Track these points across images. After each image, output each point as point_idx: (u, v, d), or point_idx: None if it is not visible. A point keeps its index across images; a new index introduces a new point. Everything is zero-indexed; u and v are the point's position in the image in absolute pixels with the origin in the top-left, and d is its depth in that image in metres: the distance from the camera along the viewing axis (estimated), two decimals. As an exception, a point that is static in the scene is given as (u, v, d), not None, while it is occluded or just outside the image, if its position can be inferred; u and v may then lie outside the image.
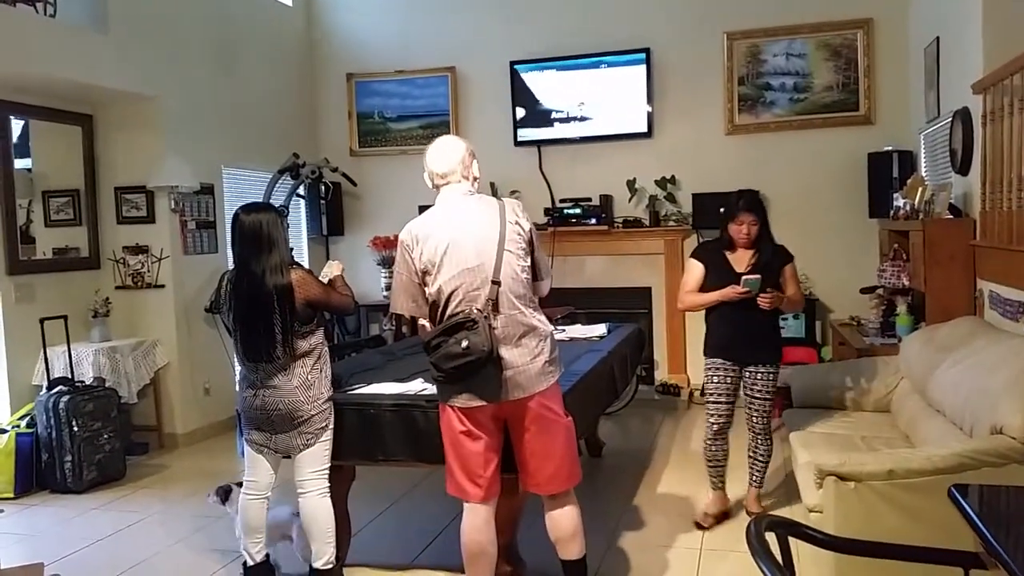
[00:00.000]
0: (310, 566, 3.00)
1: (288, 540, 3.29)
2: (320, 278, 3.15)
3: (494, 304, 2.55)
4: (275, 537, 3.31)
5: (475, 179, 2.78)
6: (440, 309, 2.62)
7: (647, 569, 3.29)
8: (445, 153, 2.74)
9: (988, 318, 3.93)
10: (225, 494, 3.39)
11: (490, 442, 2.66)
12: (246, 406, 3.01)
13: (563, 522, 2.72)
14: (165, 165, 5.28)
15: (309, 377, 2.95)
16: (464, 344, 2.49)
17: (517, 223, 2.67)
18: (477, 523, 2.68)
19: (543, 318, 2.71)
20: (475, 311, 2.52)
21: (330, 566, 2.99)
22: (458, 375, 2.55)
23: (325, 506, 2.99)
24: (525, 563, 3.20)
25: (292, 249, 5.99)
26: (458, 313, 2.56)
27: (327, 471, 3.01)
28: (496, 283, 2.56)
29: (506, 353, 2.56)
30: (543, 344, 2.64)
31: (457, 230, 2.62)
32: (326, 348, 3.07)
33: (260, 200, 5.57)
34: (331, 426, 3.02)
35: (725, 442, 3.71)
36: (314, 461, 2.99)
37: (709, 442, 3.71)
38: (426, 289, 2.66)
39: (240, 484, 3.27)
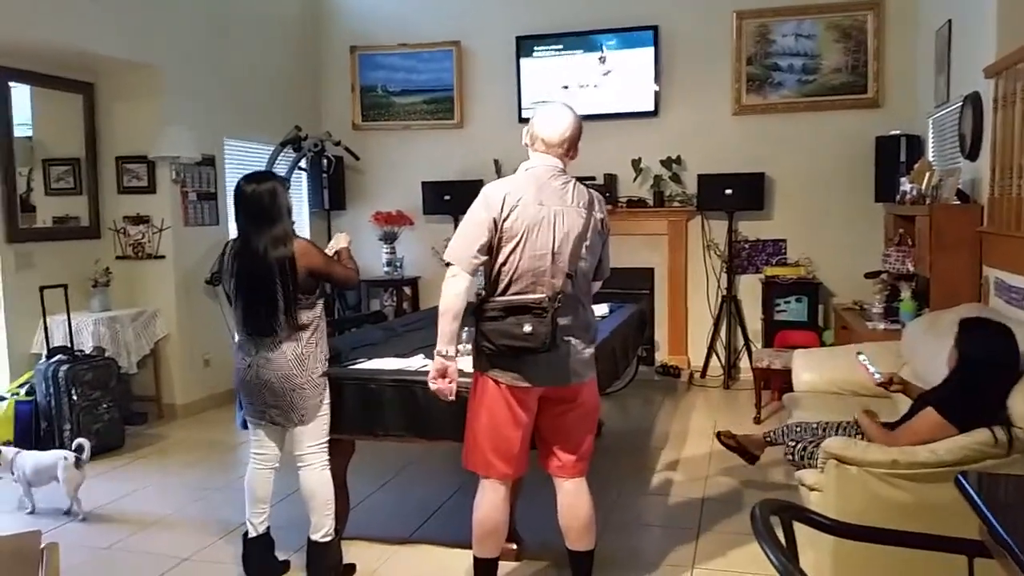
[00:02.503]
0: (308, 539, 3.00)
1: (55, 481, 3.65)
2: (327, 250, 3.12)
3: (564, 295, 2.50)
4: (44, 479, 3.68)
5: (572, 157, 2.65)
6: (505, 281, 2.52)
7: (644, 548, 3.30)
8: (563, 123, 2.58)
9: (993, 305, 3.91)
10: None
11: (529, 422, 2.63)
12: (240, 378, 2.98)
13: (580, 512, 2.69)
14: (166, 135, 5.23)
15: (304, 351, 2.90)
16: (527, 328, 2.43)
17: (602, 220, 2.62)
18: (497, 501, 2.65)
19: (594, 316, 2.73)
20: (546, 299, 2.45)
21: (329, 538, 2.99)
22: (511, 354, 2.49)
23: (325, 479, 2.98)
24: (523, 540, 3.21)
25: (294, 223, 6.00)
26: (526, 293, 2.49)
27: (326, 445, 3.00)
28: (570, 276, 2.51)
29: (566, 342, 2.54)
30: (592, 342, 2.66)
31: (548, 210, 2.50)
32: (324, 323, 3.02)
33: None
34: (326, 401, 2.99)
35: None
36: (313, 435, 2.97)
37: None
38: (498, 252, 2.51)
39: (7, 443, 3.87)
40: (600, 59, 6.40)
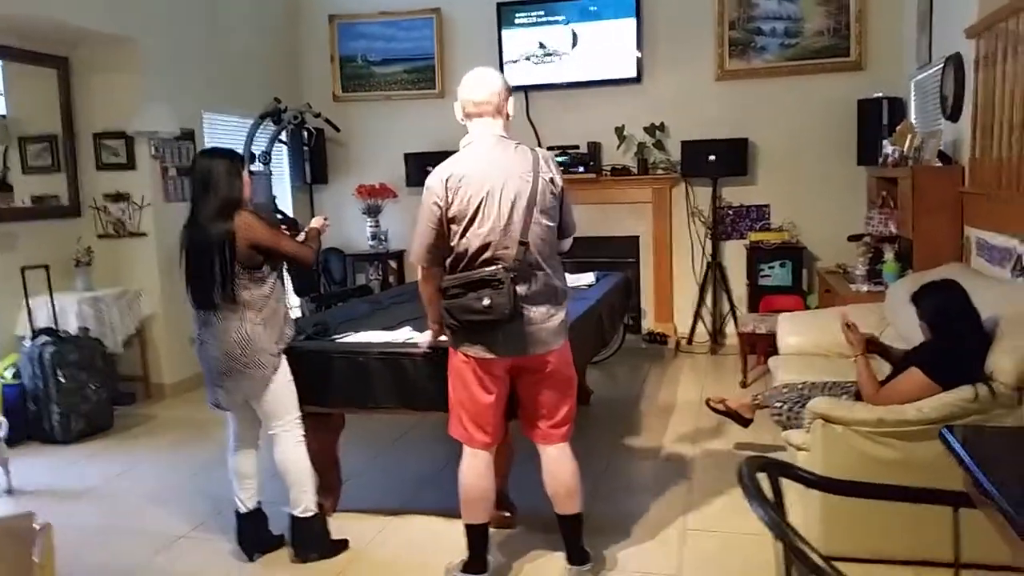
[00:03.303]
0: (289, 514, 3.02)
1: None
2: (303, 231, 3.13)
3: (520, 263, 2.51)
4: None
5: (509, 117, 2.66)
6: (462, 259, 2.56)
7: (634, 512, 3.35)
8: (482, 82, 2.61)
9: (975, 265, 3.95)
10: None
11: (500, 392, 2.67)
12: (196, 353, 2.97)
13: (563, 477, 2.73)
14: (144, 110, 5.16)
15: (248, 330, 2.84)
16: (486, 302, 2.46)
17: (552, 180, 2.59)
18: (480, 468, 2.70)
19: (563, 278, 2.70)
20: (501, 271, 2.47)
21: (308, 514, 2.99)
22: (474, 327, 2.53)
23: (297, 456, 2.96)
24: (516, 508, 3.24)
25: (276, 198, 5.94)
26: (482, 267, 2.51)
27: (294, 421, 2.97)
28: (524, 244, 2.51)
29: (527, 311, 2.55)
30: (560, 306, 2.65)
31: (491, 182, 2.51)
32: (279, 304, 2.95)
33: (237, 145, 5.50)
34: (280, 380, 2.92)
35: None
36: (275, 414, 2.94)
37: None
38: (452, 235, 2.56)
39: None
40: (572, 36, 6.34)
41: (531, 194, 2.53)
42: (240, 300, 2.84)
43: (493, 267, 2.49)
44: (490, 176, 2.52)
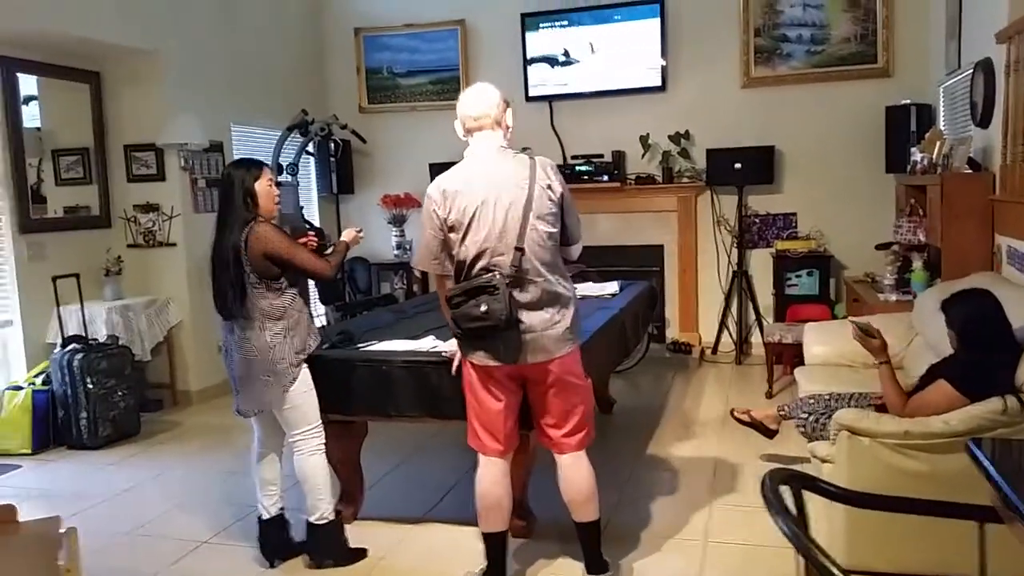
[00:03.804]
0: (307, 521, 3.03)
1: None
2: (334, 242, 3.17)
3: (517, 270, 2.52)
4: None
5: (508, 128, 2.70)
6: (463, 267, 2.60)
7: (655, 522, 3.32)
8: (478, 97, 2.67)
9: (1006, 274, 3.88)
10: None
11: (509, 400, 2.67)
12: (223, 361, 3.02)
13: (579, 485, 2.72)
14: (174, 122, 5.24)
15: (269, 340, 2.87)
16: (483, 308, 2.48)
17: (549, 186, 2.60)
18: (494, 475, 2.71)
19: (568, 284, 2.68)
20: (498, 277, 2.50)
21: (323, 521, 3.01)
22: (475, 335, 2.55)
23: (315, 463, 2.98)
24: (535, 517, 3.23)
25: (303, 208, 6.01)
26: (481, 275, 2.54)
27: (314, 430, 2.99)
28: (520, 250, 2.53)
29: (526, 317, 2.55)
30: (565, 312, 2.62)
31: (487, 191, 2.55)
32: (300, 315, 2.97)
33: (265, 157, 5.56)
34: (299, 390, 2.93)
35: None
36: (295, 423, 2.96)
37: None
38: (454, 245, 2.61)
39: None
40: (595, 45, 6.35)
41: (527, 200, 2.54)
42: (259, 310, 2.87)
43: (489, 274, 2.52)
44: (486, 185, 2.56)
